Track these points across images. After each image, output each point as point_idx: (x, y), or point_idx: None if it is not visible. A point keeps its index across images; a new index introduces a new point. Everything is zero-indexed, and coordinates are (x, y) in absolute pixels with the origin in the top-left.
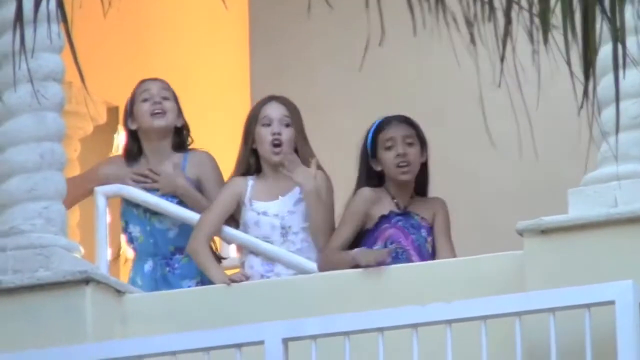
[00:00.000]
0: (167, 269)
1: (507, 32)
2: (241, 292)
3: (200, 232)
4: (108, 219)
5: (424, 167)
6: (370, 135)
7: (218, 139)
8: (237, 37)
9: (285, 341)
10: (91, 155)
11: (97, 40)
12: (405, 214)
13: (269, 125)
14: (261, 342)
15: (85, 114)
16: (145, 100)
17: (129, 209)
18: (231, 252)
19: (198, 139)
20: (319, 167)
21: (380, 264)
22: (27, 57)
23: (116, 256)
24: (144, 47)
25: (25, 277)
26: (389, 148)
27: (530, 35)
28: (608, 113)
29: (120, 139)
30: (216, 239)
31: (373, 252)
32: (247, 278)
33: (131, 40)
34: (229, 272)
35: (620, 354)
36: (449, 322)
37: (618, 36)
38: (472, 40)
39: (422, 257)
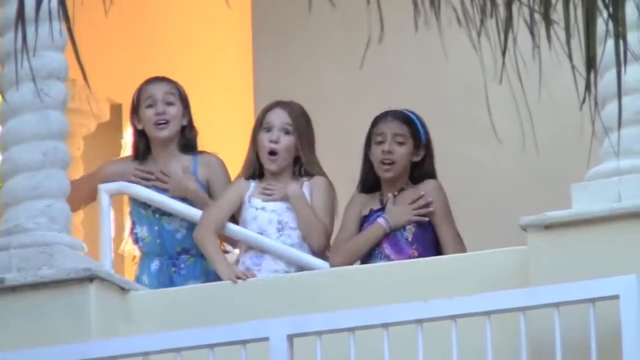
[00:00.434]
0: (173, 269)
1: (509, 27)
2: (245, 289)
3: (206, 221)
4: (112, 216)
5: (422, 163)
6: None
7: (219, 139)
8: (241, 36)
9: (290, 337)
10: (94, 153)
11: (100, 39)
12: (382, 208)
13: (269, 131)
14: (266, 339)
15: (88, 111)
16: (149, 106)
17: (137, 209)
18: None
19: (199, 139)
20: (321, 173)
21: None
22: (30, 55)
23: (121, 251)
24: (147, 45)
25: (29, 275)
26: (378, 143)
27: (531, 31)
28: (611, 108)
29: (127, 137)
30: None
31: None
32: (252, 275)
33: (134, 39)
34: None
35: (624, 348)
36: (453, 317)
37: (619, 32)
38: (477, 34)
39: (397, 246)
